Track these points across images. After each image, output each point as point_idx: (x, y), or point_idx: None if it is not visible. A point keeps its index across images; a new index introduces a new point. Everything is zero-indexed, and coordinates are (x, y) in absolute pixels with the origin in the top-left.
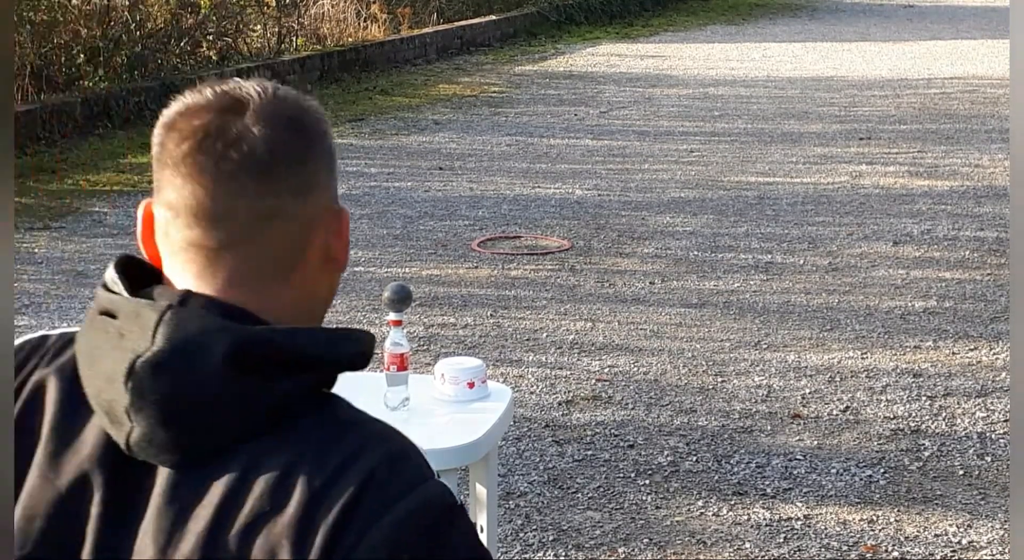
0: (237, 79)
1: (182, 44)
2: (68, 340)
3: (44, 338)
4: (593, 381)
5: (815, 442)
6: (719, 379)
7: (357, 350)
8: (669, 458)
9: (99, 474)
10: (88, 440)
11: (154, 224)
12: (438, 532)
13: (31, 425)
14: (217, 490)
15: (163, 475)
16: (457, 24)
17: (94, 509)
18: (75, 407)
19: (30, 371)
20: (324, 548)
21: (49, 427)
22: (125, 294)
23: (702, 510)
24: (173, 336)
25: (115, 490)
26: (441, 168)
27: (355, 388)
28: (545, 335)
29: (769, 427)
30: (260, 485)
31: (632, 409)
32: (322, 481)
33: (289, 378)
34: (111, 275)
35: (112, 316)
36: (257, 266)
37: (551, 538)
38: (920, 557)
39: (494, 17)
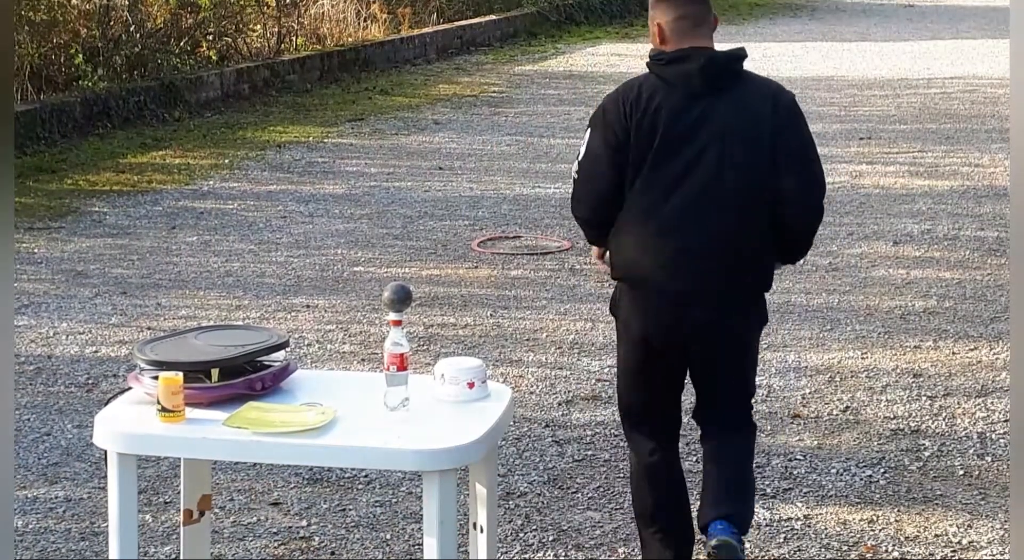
0: None
1: (182, 44)
2: (635, 98)
3: (620, 101)
4: (593, 381)
5: (815, 442)
6: None
7: (746, 54)
8: None
9: (682, 104)
10: (671, 106)
11: (663, 27)
12: (798, 106)
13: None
14: (738, 101)
15: (708, 104)
16: (457, 24)
17: (683, 118)
18: (655, 104)
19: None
20: (774, 107)
21: (647, 113)
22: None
23: None
24: (713, 55)
25: (688, 108)
26: (441, 168)
27: (356, 388)
28: (545, 335)
29: (769, 427)
30: (753, 93)
31: None
32: (771, 90)
33: (742, 61)
34: (650, 61)
35: (681, 61)
36: (708, 32)
37: (551, 538)
38: (920, 557)
39: (494, 17)
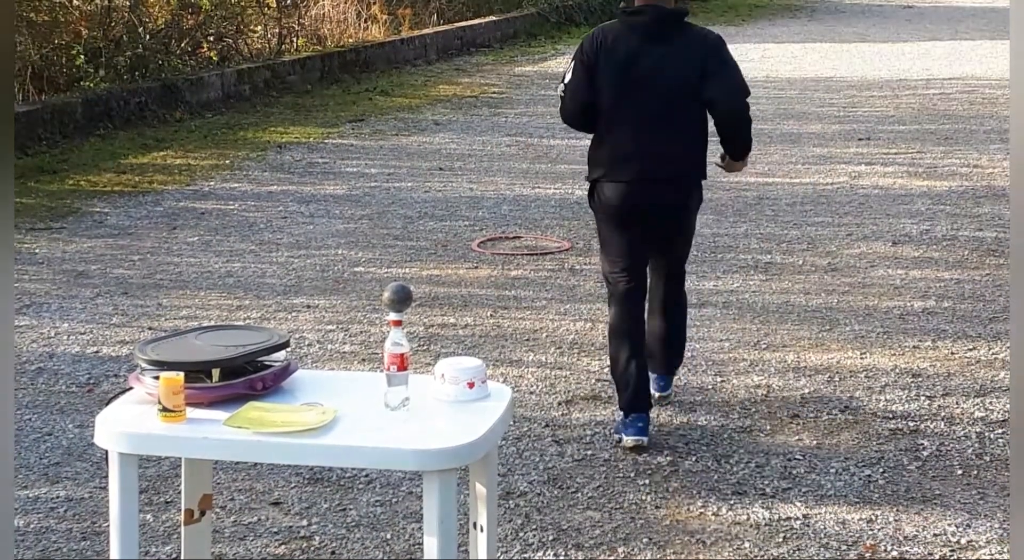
0: None
1: (183, 45)
2: (604, 38)
3: (588, 42)
4: (593, 381)
5: (814, 442)
6: (719, 379)
7: (687, 11)
8: (668, 458)
9: (638, 46)
10: (629, 46)
11: None
12: (723, 41)
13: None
14: (679, 45)
15: (656, 47)
16: (457, 25)
17: (638, 57)
18: (619, 44)
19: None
20: (704, 44)
21: (612, 50)
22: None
23: (701, 510)
24: (664, 10)
25: (641, 49)
26: (441, 168)
27: (356, 388)
28: (545, 335)
29: (768, 427)
30: (689, 40)
31: None
32: (703, 35)
33: (684, 16)
34: (620, 11)
35: (639, 14)
36: None
37: (551, 538)
38: (919, 556)
39: (494, 18)
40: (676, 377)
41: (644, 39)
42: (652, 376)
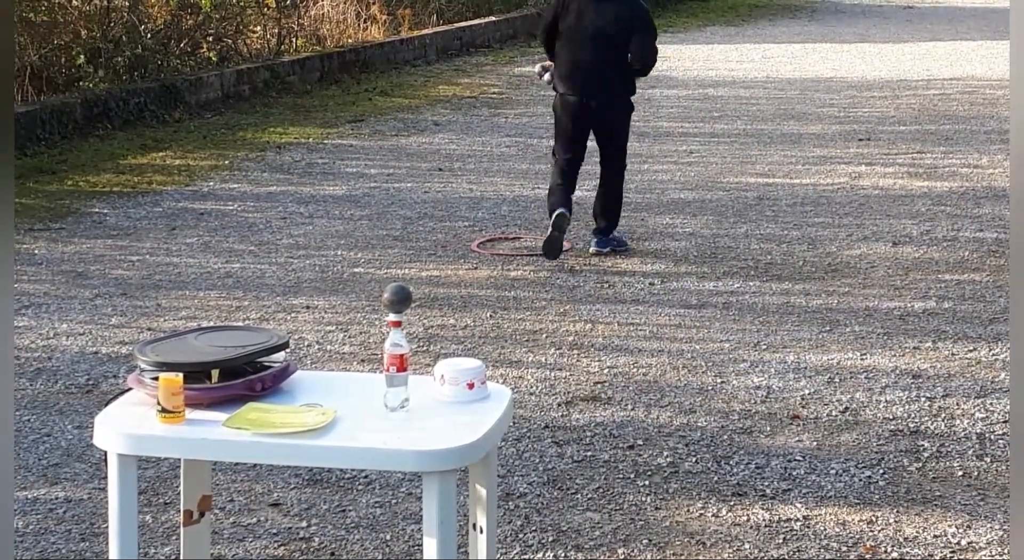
0: None
1: (182, 45)
2: None
3: None
4: (593, 382)
5: (814, 443)
6: (718, 380)
7: None
8: (668, 459)
9: (588, 5)
10: (584, 4)
11: None
12: (649, 14)
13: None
14: (615, 6)
15: (601, 7)
16: (457, 25)
17: (588, 12)
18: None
19: None
20: (635, 11)
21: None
22: None
23: (701, 511)
24: None
25: (590, 6)
26: (441, 169)
27: (356, 389)
28: (544, 336)
29: (768, 428)
30: (624, 5)
31: (632, 410)
32: (636, 3)
33: None
34: None
35: None
36: None
37: (551, 539)
38: (920, 558)
39: (494, 18)
40: (676, 377)
41: (593, 2)
42: (593, 238)
